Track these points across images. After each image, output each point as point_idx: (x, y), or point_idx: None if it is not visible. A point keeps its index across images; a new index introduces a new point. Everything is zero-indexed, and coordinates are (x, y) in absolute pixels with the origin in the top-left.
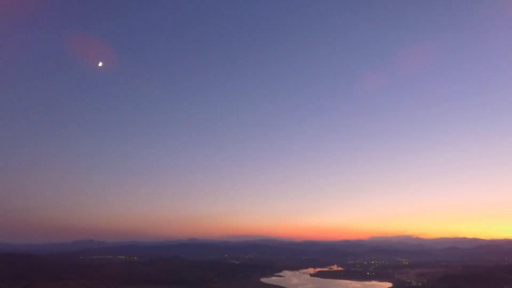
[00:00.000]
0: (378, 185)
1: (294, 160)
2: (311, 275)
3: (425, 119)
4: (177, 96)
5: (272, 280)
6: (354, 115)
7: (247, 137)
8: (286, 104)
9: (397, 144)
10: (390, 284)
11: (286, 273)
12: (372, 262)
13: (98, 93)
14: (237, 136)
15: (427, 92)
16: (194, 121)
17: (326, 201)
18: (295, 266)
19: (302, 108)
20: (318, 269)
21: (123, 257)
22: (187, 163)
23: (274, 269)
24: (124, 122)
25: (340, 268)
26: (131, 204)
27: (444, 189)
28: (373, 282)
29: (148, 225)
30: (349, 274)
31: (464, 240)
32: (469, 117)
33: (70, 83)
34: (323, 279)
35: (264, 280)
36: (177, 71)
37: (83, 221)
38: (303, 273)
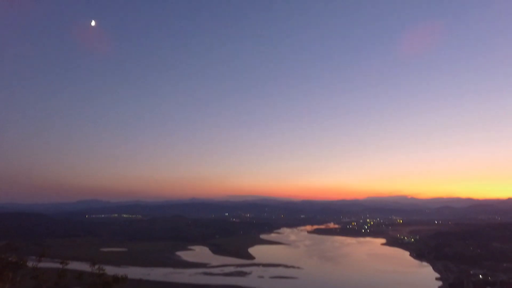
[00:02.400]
0: (375, 146)
1: (293, 122)
2: (309, 232)
3: (420, 81)
4: (178, 61)
5: (271, 236)
6: (351, 78)
7: (247, 99)
8: (285, 67)
9: (393, 106)
10: (383, 240)
11: (285, 230)
12: (368, 220)
13: (103, 55)
14: (237, 98)
15: (425, 59)
16: (194, 84)
17: (324, 162)
18: (293, 224)
19: (300, 71)
20: (315, 227)
21: (127, 215)
22: (188, 125)
23: (273, 227)
24: (126, 84)
25: (336, 226)
26: (134, 165)
27: (439, 150)
28: (368, 239)
29: (150, 185)
30: (345, 231)
31: (458, 199)
32: (464, 78)
33: (73, 49)
34: (319, 235)
35: (263, 236)
36: (177, 36)
37: (87, 182)
38: (301, 230)
